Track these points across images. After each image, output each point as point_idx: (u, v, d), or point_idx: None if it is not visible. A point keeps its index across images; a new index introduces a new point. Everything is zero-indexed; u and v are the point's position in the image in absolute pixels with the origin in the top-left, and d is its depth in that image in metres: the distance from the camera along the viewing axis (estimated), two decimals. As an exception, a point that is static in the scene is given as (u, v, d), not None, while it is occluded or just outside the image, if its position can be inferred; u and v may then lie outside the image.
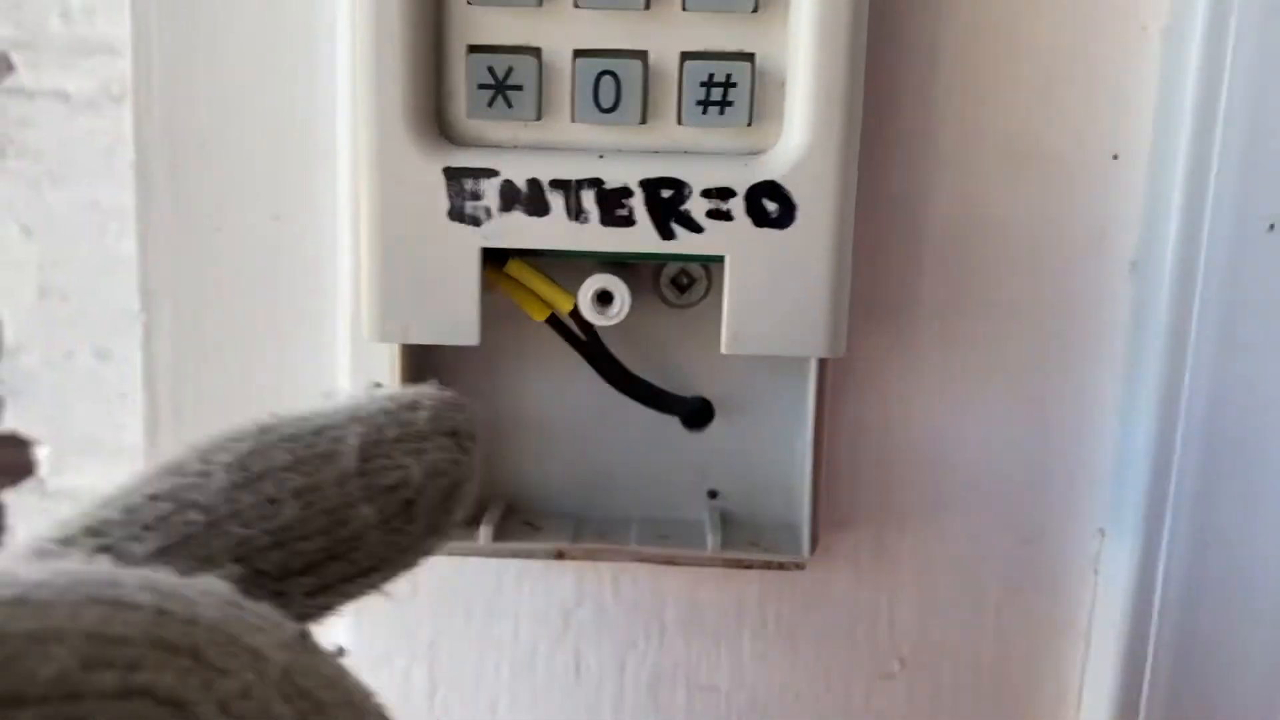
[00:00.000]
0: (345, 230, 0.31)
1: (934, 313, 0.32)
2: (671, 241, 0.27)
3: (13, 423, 0.45)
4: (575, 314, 0.28)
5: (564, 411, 0.31)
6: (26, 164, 0.42)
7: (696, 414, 0.32)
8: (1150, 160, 0.31)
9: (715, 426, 0.32)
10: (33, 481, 0.45)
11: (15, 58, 0.41)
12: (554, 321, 0.29)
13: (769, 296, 0.27)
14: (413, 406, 0.20)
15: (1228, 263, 0.30)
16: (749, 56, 0.27)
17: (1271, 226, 0.30)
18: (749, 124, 0.27)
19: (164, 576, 0.14)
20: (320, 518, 0.18)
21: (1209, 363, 0.30)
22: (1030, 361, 0.32)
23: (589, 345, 0.29)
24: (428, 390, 0.21)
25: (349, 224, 0.30)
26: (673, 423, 0.32)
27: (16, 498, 0.45)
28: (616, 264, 0.29)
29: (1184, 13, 0.30)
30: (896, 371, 0.32)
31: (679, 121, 0.27)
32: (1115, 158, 0.31)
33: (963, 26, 0.30)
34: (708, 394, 0.32)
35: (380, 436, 0.19)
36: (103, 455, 0.44)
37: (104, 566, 0.14)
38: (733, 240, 0.27)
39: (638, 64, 0.27)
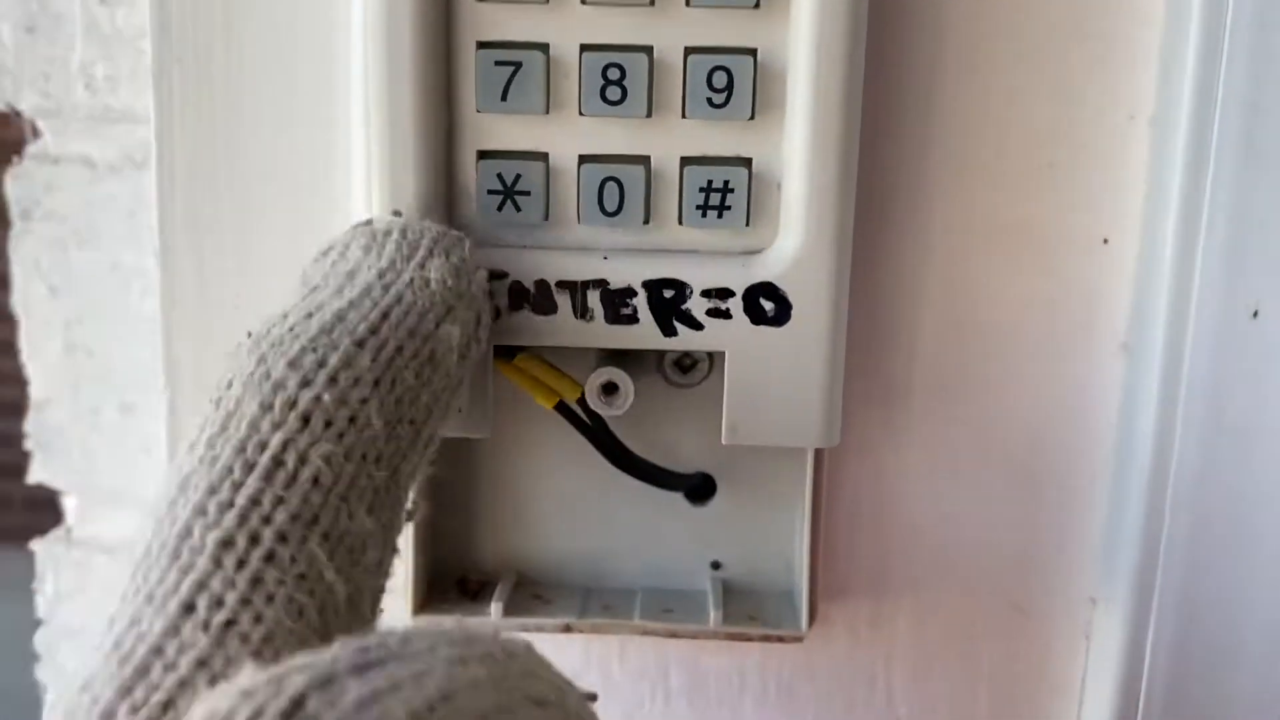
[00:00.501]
0: (361, 315, 0.32)
1: (928, 392, 0.33)
2: (673, 338, 0.28)
3: (40, 474, 0.46)
4: (582, 402, 0.30)
5: (571, 487, 0.33)
6: (52, 226, 0.44)
7: (699, 489, 0.33)
8: (1140, 245, 0.32)
9: (718, 500, 0.33)
10: (60, 531, 0.47)
11: (42, 125, 0.43)
12: (561, 408, 0.30)
13: (767, 390, 0.28)
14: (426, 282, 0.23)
15: (1214, 347, 0.31)
16: (746, 161, 0.28)
17: (1255, 313, 0.30)
18: (747, 224, 0.28)
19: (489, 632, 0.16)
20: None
21: (1196, 441, 0.31)
22: (1022, 439, 0.33)
23: (595, 431, 0.30)
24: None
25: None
26: (676, 497, 0.33)
27: (44, 546, 0.46)
28: (621, 349, 0.30)
29: (1170, 103, 0.31)
30: (891, 448, 0.33)
31: (680, 222, 0.28)
32: (1105, 242, 0.32)
33: (955, 114, 0.31)
34: (710, 469, 0.33)
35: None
36: (128, 506, 0.45)
37: (451, 625, 0.16)
38: (732, 337, 0.28)
39: (640, 169, 0.28)
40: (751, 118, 0.28)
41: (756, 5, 0.27)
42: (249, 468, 0.19)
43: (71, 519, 0.46)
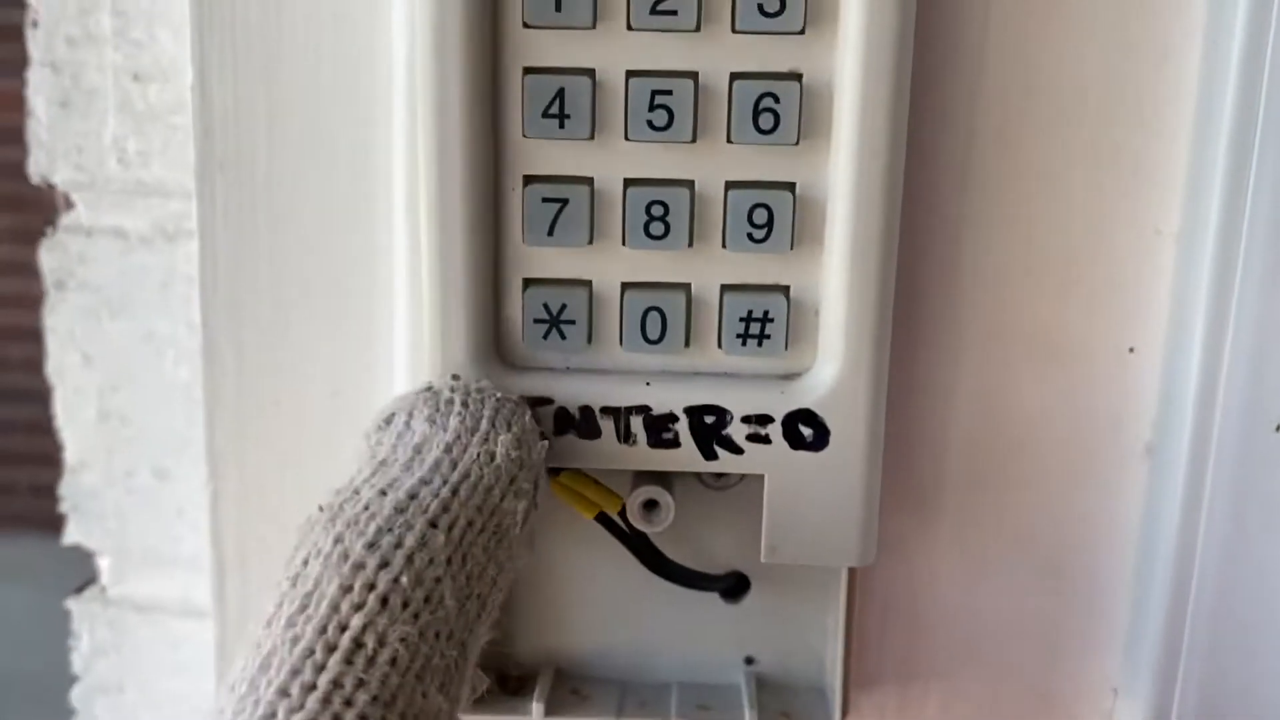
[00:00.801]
0: (404, 421, 0.33)
1: (959, 493, 0.34)
2: (714, 461, 0.29)
3: (75, 536, 0.47)
4: (622, 514, 0.30)
5: (608, 585, 0.33)
6: (86, 296, 0.44)
7: (734, 588, 0.34)
8: (1165, 354, 0.33)
9: (751, 597, 0.34)
10: (95, 589, 0.48)
11: (75, 197, 0.44)
12: (602, 518, 0.31)
13: (805, 513, 0.29)
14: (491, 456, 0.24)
15: (1237, 457, 0.32)
16: (784, 289, 0.29)
17: (1278, 426, 0.31)
18: (785, 349, 0.29)
19: None
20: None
21: (1219, 543, 0.32)
22: (1049, 538, 0.34)
23: (634, 541, 0.31)
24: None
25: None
26: (712, 594, 0.34)
27: (80, 605, 0.48)
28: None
29: (1196, 218, 0.32)
30: (923, 547, 0.34)
31: (719, 347, 0.29)
32: (1131, 351, 0.33)
33: (986, 230, 0.32)
34: (744, 567, 0.34)
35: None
36: (162, 565, 0.46)
37: None
38: (771, 461, 0.29)
39: (681, 297, 0.29)
40: (791, 248, 0.28)
41: (796, 142, 0.28)
42: (330, 649, 0.20)
43: (106, 578, 0.47)
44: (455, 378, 0.27)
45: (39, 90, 0.43)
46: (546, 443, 0.27)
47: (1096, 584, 0.34)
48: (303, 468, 0.36)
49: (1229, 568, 0.32)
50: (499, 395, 0.27)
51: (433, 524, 0.22)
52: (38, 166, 0.44)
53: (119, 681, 0.48)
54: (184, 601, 0.46)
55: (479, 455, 0.24)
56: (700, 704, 0.33)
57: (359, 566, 0.21)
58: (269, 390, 0.36)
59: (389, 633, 0.20)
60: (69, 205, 0.44)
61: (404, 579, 0.21)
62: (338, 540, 0.21)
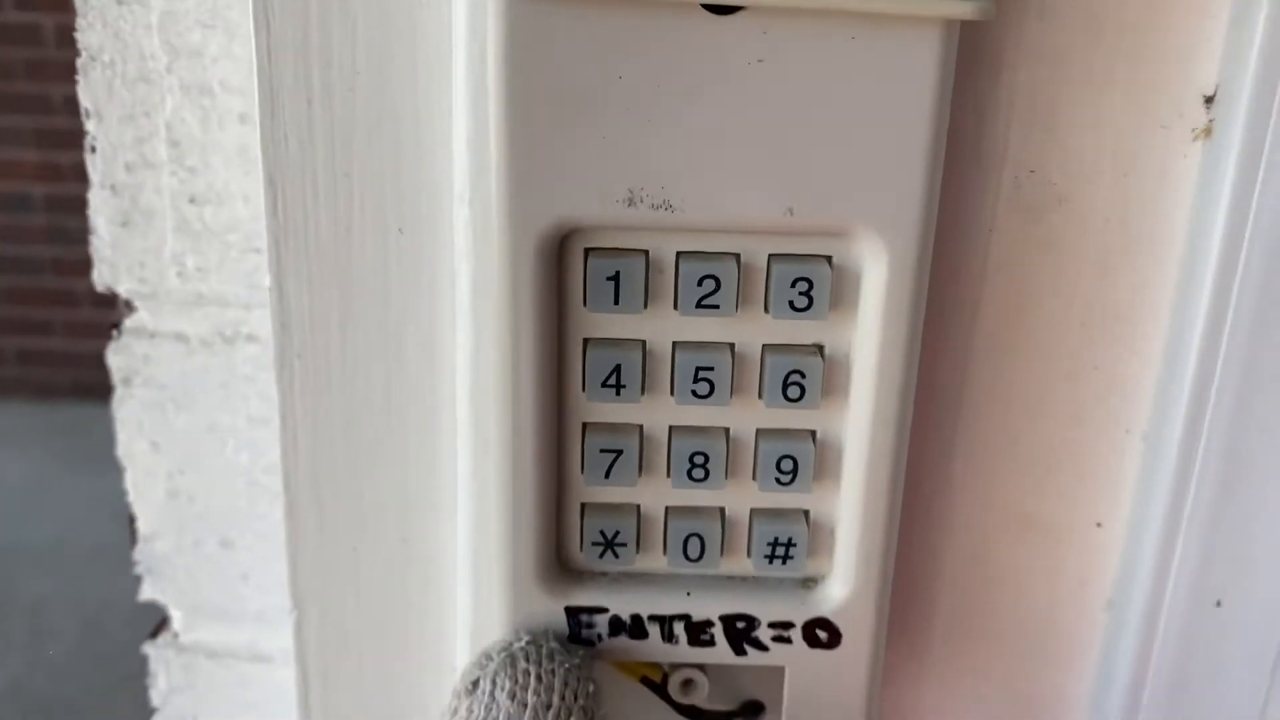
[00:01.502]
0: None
1: (946, 636, 0.39)
2: (743, 657, 0.34)
3: (149, 593, 0.53)
4: (664, 680, 0.36)
5: (651, 717, 0.39)
6: (152, 392, 0.49)
7: (753, 714, 0.40)
8: (1127, 530, 0.38)
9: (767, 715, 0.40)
10: (168, 635, 0.54)
11: (138, 304, 0.48)
12: (645, 681, 0.36)
13: (817, 698, 0.35)
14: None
15: (1182, 625, 0.37)
16: (805, 513, 0.34)
17: (1219, 603, 0.37)
18: (805, 562, 0.34)
19: None
20: None
21: (1165, 691, 0.38)
22: (1020, 675, 0.40)
23: (674, 702, 0.37)
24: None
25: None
26: None
27: (155, 650, 0.54)
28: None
29: (1162, 422, 0.36)
30: (912, 678, 0.40)
31: (748, 556, 0.34)
32: (1099, 525, 0.38)
33: (981, 426, 0.37)
34: (759, 697, 0.39)
35: None
36: (228, 619, 0.52)
37: None
38: (791, 656, 0.34)
39: (717, 525, 0.34)
40: (812, 483, 0.33)
41: (817, 405, 0.32)
42: None
43: (178, 627, 0.53)
44: (530, 642, 0.33)
45: (100, 211, 0.46)
46: (604, 713, 0.32)
47: (1061, 711, 0.40)
48: (374, 601, 0.41)
49: (1173, 703, 0.39)
50: (568, 665, 0.32)
51: None
52: (102, 278, 0.47)
53: (194, 713, 0.54)
54: (251, 648, 0.52)
55: None
56: (724, 811, 0.40)
57: None
58: (346, 540, 0.41)
59: None
60: (130, 308, 0.48)
61: None
62: None
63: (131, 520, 0.52)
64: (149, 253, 0.46)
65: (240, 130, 0.43)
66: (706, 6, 0.27)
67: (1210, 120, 0.34)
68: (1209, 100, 0.34)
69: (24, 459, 3.03)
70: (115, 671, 2.32)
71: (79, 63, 0.44)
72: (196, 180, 0.45)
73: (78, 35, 0.44)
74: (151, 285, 0.47)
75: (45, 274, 3.16)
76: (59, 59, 2.88)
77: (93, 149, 0.46)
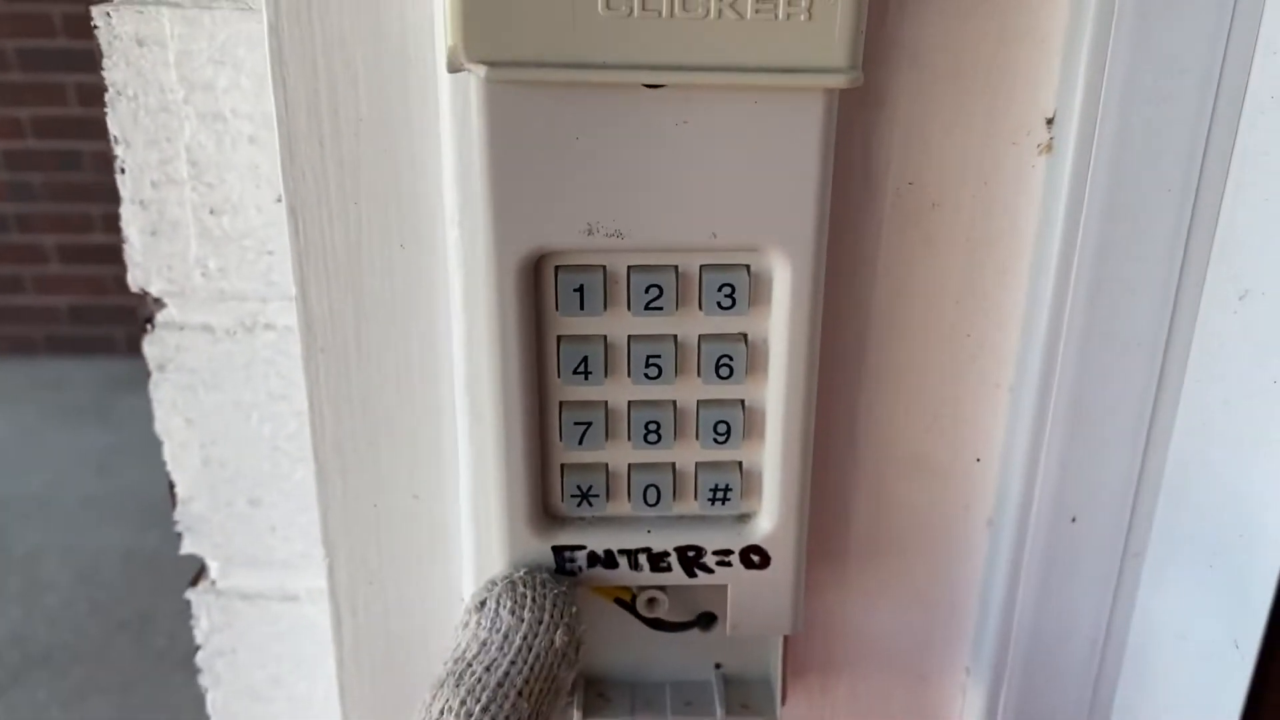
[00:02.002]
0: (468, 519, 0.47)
1: (860, 555, 0.49)
2: (694, 578, 0.44)
3: (189, 548, 0.61)
4: (633, 599, 0.45)
5: (627, 632, 0.49)
6: (184, 375, 0.57)
7: (706, 621, 0.49)
8: (1000, 463, 0.47)
9: (717, 628, 0.49)
10: (206, 583, 0.62)
11: (168, 301, 0.55)
12: (619, 601, 0.46)
13: (754, 606, 0.44)
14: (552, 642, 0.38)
15: (1047, 536, 0.47)
16: (739, 464, 0.43)
17: (1074, 519, 0.46)
18: (740, 503, 0.43)
19: None
20: None
21: (1035, 585, 0.48)
22: (921, 580, 0.49)
23: (642, 616, 0.46)
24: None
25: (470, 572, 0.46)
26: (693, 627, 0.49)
27: (197, 595, 0.62)
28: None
29: (1023, 375, 0.46)
30: (835, 587, 0.49)
31: (695, 500, 0.43)
32: (978, 460, 0.47)
33: (878, 390, 0.46)
34: (712, 609, 0.49)
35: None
36: (259, 566, 0.61)
37: None
38: (732, 576, 0.44)
39: (668, 476, 0.43)
40: (743, 440, 0.42)
41: (743, 379, 0.41)
42: None
43: (215, 575, 0.62)
44: (527, 572, 0.41)
45: (131, 222, 0.54)
46: (584, 628, 0.41)
47: (953, 608, 0.50)
48: (393, 547, 0.50)
49: (1040, 598, 0.48)
50: (556, 590, 0.40)
51: (520, 694, 0.37)
52: (135, 280, 0.55)
53: (233, 646, 0.63)
54: (280, 589, 0.61)
55: (546, 643, 0.38)
56: (686, 700, 0.49)
57: None
58: (367, 498, 0.49)
59: None
60: (160, 304, 0.56)
61: None
62: (462, 702, 0.36)
63: (171, 486, 0.60)
64: (175, 257, 0.54)
65: (250, 150, 0.51)
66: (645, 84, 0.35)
67: (1051, 137, 0.42)
68: (1049, 121, 0.42)
69: (8, 414, 3.09)
70: (112, 618, 2.41)
71: (106, 96, 0.51)
72: (214, 194, 0.52)
73: (104, 73, 0.51)
74: (179, 285, 0.55)
75: (11, 231, 3.18)
76: (5, 12, 2.88)
77: (122, 170, 0.53)
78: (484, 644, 0.38)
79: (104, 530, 2.67)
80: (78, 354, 3.32)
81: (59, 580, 2.55)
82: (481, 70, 0.34)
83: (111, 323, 3.30)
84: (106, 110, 0.52)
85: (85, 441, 2.97)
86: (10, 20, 2.90)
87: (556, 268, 0.39)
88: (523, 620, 0.39)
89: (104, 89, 0.50)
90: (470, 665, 0.37)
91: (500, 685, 0.37)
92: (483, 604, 0.40)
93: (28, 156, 3.10)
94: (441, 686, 0.37)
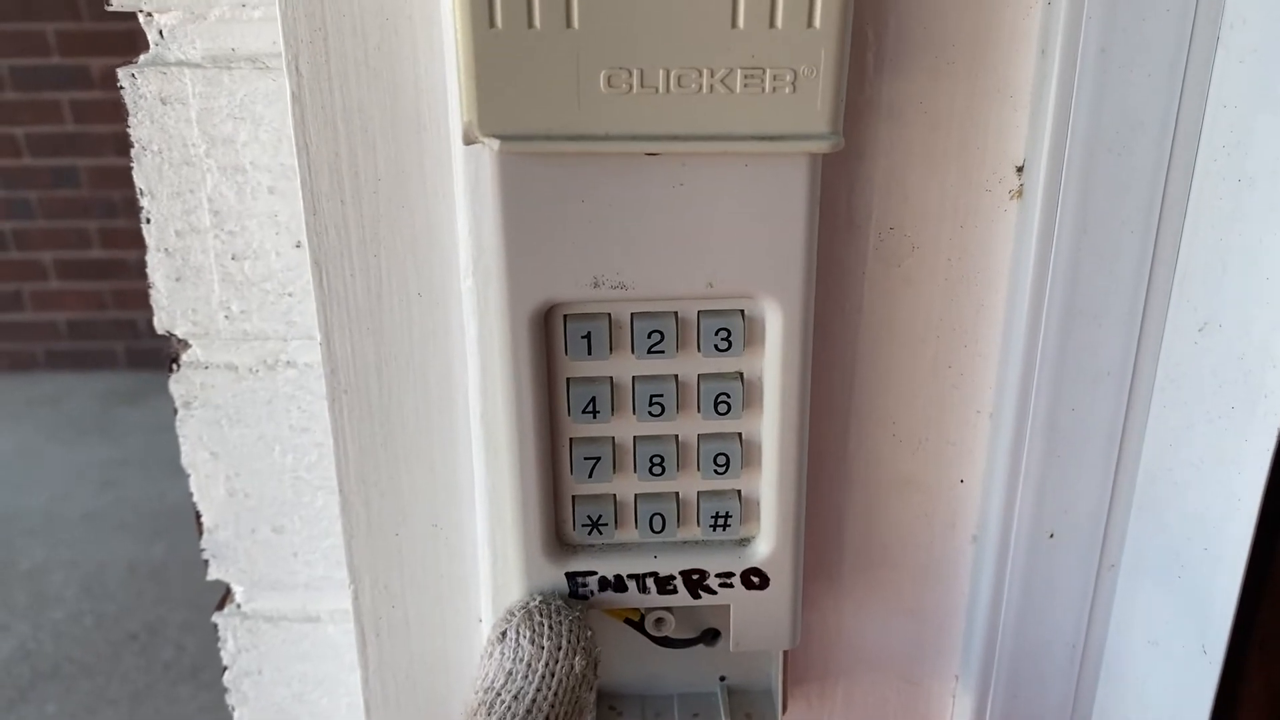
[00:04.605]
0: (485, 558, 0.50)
1: (853, 569, 0.52)
2: (699, 599, 0.47)
3: (215, 574, 0.64)
4: (642, 619, 0.49)
5: (636, 649, 0.52)
6: (209, 411, 0.60)
7: (710, 637, 0.52)
8: (983, 484, 0.50)
9: (721, 643, 0.52)
10: (232, 607, 0.65)
11: (193, 343, 0.58)
12: (629, 621, 0.49)
13: (755, 623, 0.47)
14: (572, 667, 0.41)
15: (1026, 552, 0.50)
16: (738, 493, 0.46)
17: (1051, 535, 0.50)
18: (740, 528, 0.46)
19: None
20: None
21: (1018, 601, 0.51)
22: (910, 594, 0.52)
23: (651, 635, 0.49)
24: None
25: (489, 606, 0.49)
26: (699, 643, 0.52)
27: (223, 619, 0.65)
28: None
29: (1002, 402, 0.49)
30: (831, 600, 0.53)
31: (697, 526, 0.47)
32: (961, 481, 0.51)
33: (867, 414, 0.49)
34: (716, 625, 0.52)
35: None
36: (282, 590, 0.64)
37: None
38: (734, 596, 0.47)
39: (673, 505, 0.46)
40: (741, 471, 0.45)
41: (740, 415, 0.44)
42: None
43: (240, 599, 0.65)
44: (542, 600, 0.45)
45: (156, 269, 0.57)
46: (599, 650, 0.44)
47: (941, 619, 0.53)
48: (415, 573, 0.53)
49: (1022, 609, 0.52)
50: (571, 616, 0.44)
51: (547, 718, 0.40)
52: (161, 323, 0.58)
53: (258, 667, 0.66)
54: (302, 611, 0.64)
55: (566, 668, 0.41)
56: (693, 711, 0.52)
57: None
58: (389, 527, 0.52)
59: None
60: (185, 344, 0.59)
61: None
62: None
63: (198, 515, 0.63)
64: (200, 301, 0.57)
65: (270, 199, 0.54)
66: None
67: (1021, 184, 0.46)
68: (1019, 169, 0.45)
69: (9, 430, 3.12)
70: (118, 631, 2.44)
71: (133, 152, 0.54)
72: (236, 241, 0.55)
73: (130, 131, 0.54)
74: (203, 326, 0.58)
75: (9, 248, 3.21)
76: (4, 32, 2.91)
77: (148, 220, 0.56)
78: (510, 673, 0.41)
79: (108, 544, 2.70)
80: (77, 369, 3.36)
81: (65, 594, 2.57)
82: (495, 144, 0.38)
83: (110, 337, 3.33)
84: (132, 165, 0.54)
85: (86, 456, 3.00)
86: (4, 39, 2.93)
87: (565, 316, 0.42)
88: (543, 649, 0.42)
89: (112, 116, 0.53)
90: (499, 694, 0.40)
91: (529, 711, 0.40)
92: (504, 635, 0.43)
93: (24, 174, 3.13)
94: (475, 715, 0.40)
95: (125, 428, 3.09)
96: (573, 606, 0.45)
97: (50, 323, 3.32)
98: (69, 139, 3.05)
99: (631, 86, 0.37)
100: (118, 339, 3.34)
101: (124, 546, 2.70)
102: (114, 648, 2.41)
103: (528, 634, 0.43)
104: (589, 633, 0.44)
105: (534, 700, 0.40)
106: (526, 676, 0.41)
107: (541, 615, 0.43)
